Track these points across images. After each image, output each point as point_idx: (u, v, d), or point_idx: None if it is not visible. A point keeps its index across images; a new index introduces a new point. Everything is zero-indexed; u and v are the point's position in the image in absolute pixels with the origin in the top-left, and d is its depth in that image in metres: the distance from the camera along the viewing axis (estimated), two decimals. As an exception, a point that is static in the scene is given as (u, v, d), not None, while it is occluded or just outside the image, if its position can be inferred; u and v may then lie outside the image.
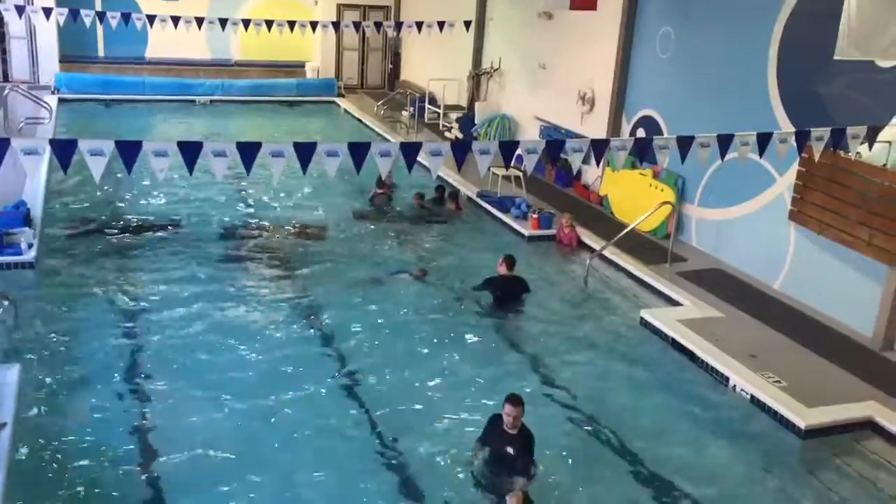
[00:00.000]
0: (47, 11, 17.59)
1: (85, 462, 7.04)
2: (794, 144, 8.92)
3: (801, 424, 8.14)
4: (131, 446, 7.35)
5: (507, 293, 10.83)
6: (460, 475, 7.21)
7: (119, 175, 14.27)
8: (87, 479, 6.84)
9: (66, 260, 11.42)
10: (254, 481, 6.95)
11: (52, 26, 20.79)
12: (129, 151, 7.15)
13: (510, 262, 10.98)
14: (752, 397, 8.70)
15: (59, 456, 7.11)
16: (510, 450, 7.07)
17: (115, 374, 8.55)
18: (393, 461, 7.40)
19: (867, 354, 9.82)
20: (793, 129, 9.70)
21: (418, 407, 8.33)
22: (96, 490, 6.73)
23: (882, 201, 9.60)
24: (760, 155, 8.89)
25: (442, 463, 7.38)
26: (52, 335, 9.24)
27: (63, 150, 7.02)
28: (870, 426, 8.34)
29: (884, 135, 9.41)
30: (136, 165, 7.26)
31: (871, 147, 9.42)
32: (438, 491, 6.99)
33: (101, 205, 13.96)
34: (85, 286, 10.60)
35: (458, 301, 10.98)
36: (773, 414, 8.41)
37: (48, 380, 8.27)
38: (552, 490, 7.10)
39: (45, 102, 19.61)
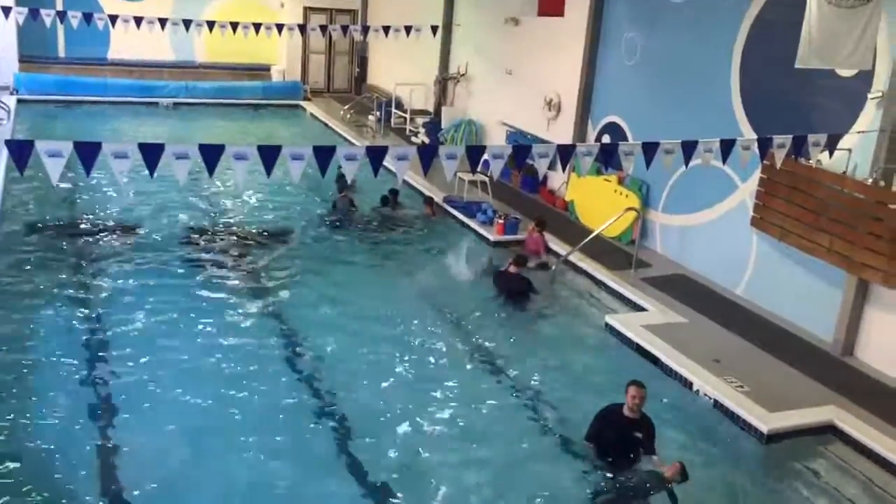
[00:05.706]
0: (6, 10, 17.19)
1: (41, 467, 6.89)
2: (757, 151, 9.02)
3: (764, 429, 8.22)
4: (90, 452, 7.20)
5: (509, 289, 11.16)
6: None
7: (78, 177, 14.02)
8: (43, 482, 6.69)
9: (21, 263, 11.16)
10: (218, 486, 6.87)
11: (11, 26, 20.35)
12: (87, 153, 7.01)
13: (517, 260, 11.38)
14: (716, 402, 8.77)
15: (11, 465, 6.93)
16: (638, 434, 7.32)
17: (72, 379, 8.38)
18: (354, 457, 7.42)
19: (828, 359, 9.94)
20: (755, 136, 9.81)
21: (381, 408, 8.31)
22: (51, 492, 6.60)
23: (842, 208, 9.74)
24: (724, 161, 8.97)
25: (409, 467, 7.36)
26: (6, 339, 9.03)
27: (19, 151, 6.86)
28: (830, 430, 8.45)
29: (844, 143, 9.55)
30: (96, 168, 7.12)
31: (831, 155, 9.55)
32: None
33: (59, 207, 13.70)
34: (41, 289, 10.37)
35: (431, 303, 11.00)
36: (736, 419, 8.48)
37: (1, 384, 8.05)
38: (506, 490, 7.15)
39: (3, 103, 19.19)
